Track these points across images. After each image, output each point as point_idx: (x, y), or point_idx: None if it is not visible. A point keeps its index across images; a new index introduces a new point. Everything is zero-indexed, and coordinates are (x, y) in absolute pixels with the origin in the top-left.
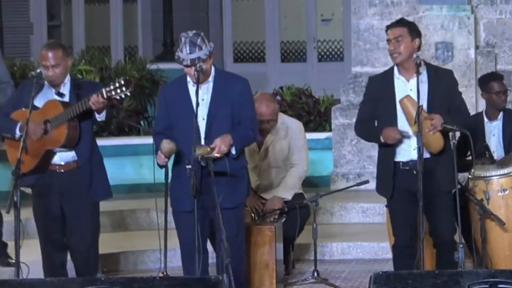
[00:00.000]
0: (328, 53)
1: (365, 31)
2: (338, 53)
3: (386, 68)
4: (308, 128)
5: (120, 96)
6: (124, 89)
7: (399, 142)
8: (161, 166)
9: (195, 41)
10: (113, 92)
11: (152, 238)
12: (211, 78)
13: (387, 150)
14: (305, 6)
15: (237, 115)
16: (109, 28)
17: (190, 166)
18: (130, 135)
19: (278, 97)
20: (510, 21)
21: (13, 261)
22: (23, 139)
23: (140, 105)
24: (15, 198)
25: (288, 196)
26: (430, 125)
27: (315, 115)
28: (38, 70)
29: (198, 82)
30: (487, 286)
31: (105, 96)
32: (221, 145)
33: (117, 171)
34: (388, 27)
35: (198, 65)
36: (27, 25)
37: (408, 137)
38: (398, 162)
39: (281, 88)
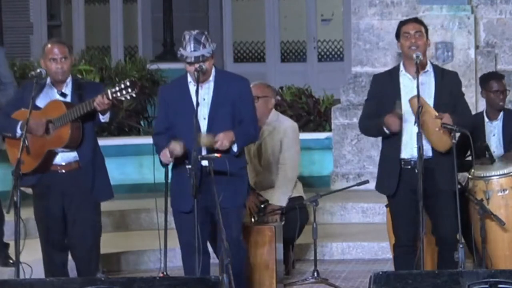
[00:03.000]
0: (328, 53)
1: (365, 31)
2: (338, 53)
3: (386, 68)
4: (308, 128)
5: (126, 97)
6: (129, 90)
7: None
8: (163, 165)
9: (199, 39)
10: (118, 94)
11: (152, 238)
12: (211, 78)
13: (393, 146)
14: (305, 6)
15: (238, 114)
16: (109, 28)
17: (190, 166)
18: (130, 135)
19: (278, 97)
20: (510, 21)
21: (12, 261)
22: (23, 138)
23: (140, 105)
24: (15, 198)
25: (283, 202)
26: (439, 124)
27: (315, 115)
28: (38, 70)
29: (198, 82)
30: (487, 286)
31: (110, 97)
32: (223, 139)
33: (117, 171)
34: (406, 22)
35: (198, 65)
36: (27, 25)
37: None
38: (402, 159)
39: (281, 88)
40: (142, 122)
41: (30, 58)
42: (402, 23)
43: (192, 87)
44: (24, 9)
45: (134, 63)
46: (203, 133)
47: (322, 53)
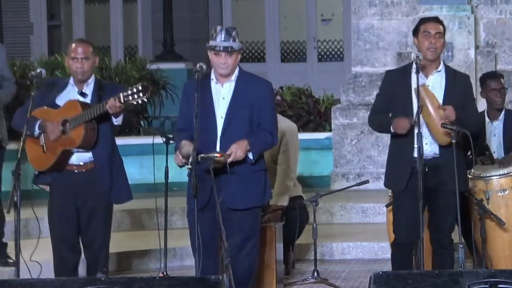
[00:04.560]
0: (328, 53)
1: (365, 31)
2: (338, 53)
3: (386, 68)
4: (308, 128)
5: (137, 102)
6: (141, 94)
7: (409, 131)
8: (180, 166)
9: (230, 32)
10: (130, 97)
11: (152, 238)
12: (233, 78)
13: (405, 145)
14: (305, 6)
15: (257, 118)
16: (109, 28)
17: (190, 166)
18: (130, 135)
19: (278, 97)
20: (510, 21)
21: (11, 260)
22: (23, 139)
23: (140, 105)
24: (15, 198)
25: (284, 202)
26: (442, 114)
27: (315, 115)
28: (38, 70)
29: (198, 82)
30: (487, 286)
31: (122, 100)
32: (237, 150)
33: None
34: (427, 20)
35: (198, 65)
36: (27, 25)
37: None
38: (415, 158)
39: (281, 88)
40: (142, 122)
41: (30, 58)
42: (423, 20)
43: (214, 85)
44: (24, 9)
45: (134, 63)
46: (213, 154)
47: (322, 53)
